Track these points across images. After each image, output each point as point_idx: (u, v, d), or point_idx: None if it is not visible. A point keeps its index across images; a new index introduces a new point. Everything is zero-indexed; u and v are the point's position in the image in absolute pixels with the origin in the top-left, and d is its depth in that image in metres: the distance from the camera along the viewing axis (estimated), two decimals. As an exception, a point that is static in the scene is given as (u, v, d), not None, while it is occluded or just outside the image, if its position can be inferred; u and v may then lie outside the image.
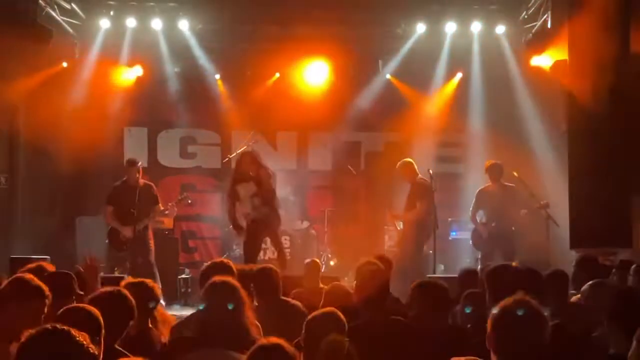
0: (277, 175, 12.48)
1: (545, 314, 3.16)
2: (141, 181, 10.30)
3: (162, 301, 9.63)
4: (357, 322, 4.42)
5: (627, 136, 8.55)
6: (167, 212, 10.73)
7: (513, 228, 10.35)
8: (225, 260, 5.65)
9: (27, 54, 10.82)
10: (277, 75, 12.88)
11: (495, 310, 3.14)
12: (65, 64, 11.87)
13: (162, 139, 13.08)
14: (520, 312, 3.07)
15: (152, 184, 10.61)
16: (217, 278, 4.25)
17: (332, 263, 11.97)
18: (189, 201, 10.94)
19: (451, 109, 12.70)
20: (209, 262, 5.67)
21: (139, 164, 10.33)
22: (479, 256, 10.40)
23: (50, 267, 5.74)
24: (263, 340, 3.25)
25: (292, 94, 12.98)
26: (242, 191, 9.69)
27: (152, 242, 10.25)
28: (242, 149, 12.49)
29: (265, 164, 9.94)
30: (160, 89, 12.65)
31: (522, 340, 3.05)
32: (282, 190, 11.99)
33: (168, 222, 11.72)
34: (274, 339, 3.24)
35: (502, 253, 9.90)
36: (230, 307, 4.04)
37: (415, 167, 10.44)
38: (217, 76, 12.73)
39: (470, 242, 10.70)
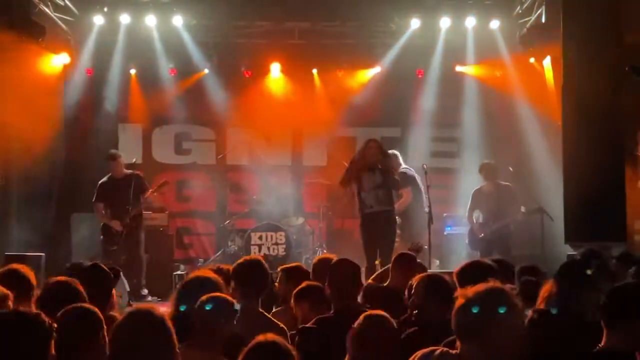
0: (272, 171, 12.52)
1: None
2: (125, 172, 10.56)
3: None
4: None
5: (621, 130, 8.57)
6: (150, 200, 10.78)
7: (511, 227, 10.37)
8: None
9: (20, 50, 10.79)
10: (272, 70, 12.87)
11: (462, 299, 3.10)
12: (60, 62, 11.86)
13: (156, 135, 13.06)
14: (487, 298, 3.04)
15: (139, 172, 10.78)
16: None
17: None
18: (166, 185, 10.99)
19: (446, 104, 12.70)
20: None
21: (121, 157, 10.68)
22: (477, 255, 10.39)
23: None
24: (260, 338, 3.22)
25: (287, 89, 12.99)
26: (366, 181, 9.24)
27: (142, 235, 10.36)
28: (237, 146, 12.60)
29: (389, 154, 9.53)
30: (155, 85, 12.64)
31: (490, 329, 3.01)
32: (277, 186, 12.02)
33: (162, 219, 11.72)
34: (271, 336, 3.22)
35: (500, 253, 9.89)
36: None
37: (400, 159, 10.44)
38: (206, 70, 12.70)
39: (466, 241, 10.70)
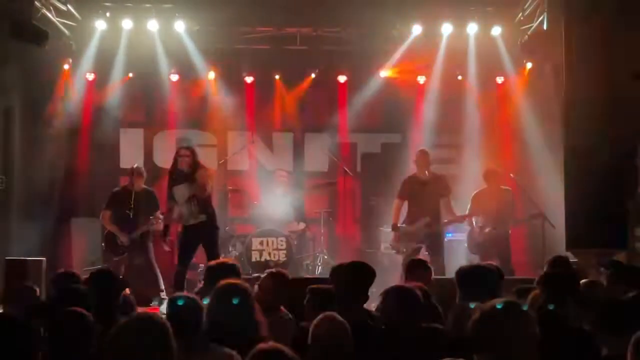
0: (273, 175, 12.49)
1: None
2: (141, 186, 10.24)
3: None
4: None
5: (623, 137, 8.56)
6: (159, 221, 10.49)
7: (509, 232, 10.36)
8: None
9: (22, 55, 10.81)
10: (273, 75, 12.90)
11: (478, 311, 3.12)
12: (62, 67, 11.89)
13: (158, 140, 13.05)
14: (503, 312, 3.06)
15: (152, 189, 10.51)
16: (225, 281, 4.33)
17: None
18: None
19: (447, 110, 12.70)
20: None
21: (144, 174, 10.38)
22: (474, 259, 10.38)
23: None
24: (263, 345, 3.22)
25: (288, 94, 13.00)
26: (178, 193, 9.52)
27: (150, 244, 10.19)
28: (237, 151, 12.60)
29: (203, 162, 9.68)
30: (156, 90, 12.64)
31: (506, 342, 3.03)
32: (278, 191, 12.00)
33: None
34: (273, 344, 3.22)
35: (499, 257, 9.89)
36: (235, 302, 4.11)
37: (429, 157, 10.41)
38: (212, 75, 12.71)
39: (465, 245, 10.69)
